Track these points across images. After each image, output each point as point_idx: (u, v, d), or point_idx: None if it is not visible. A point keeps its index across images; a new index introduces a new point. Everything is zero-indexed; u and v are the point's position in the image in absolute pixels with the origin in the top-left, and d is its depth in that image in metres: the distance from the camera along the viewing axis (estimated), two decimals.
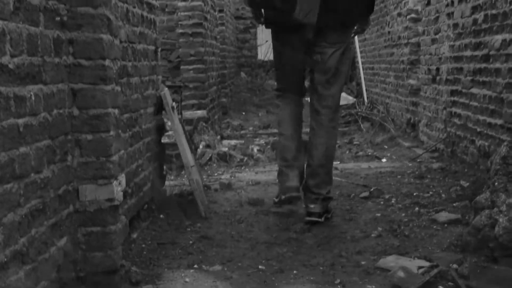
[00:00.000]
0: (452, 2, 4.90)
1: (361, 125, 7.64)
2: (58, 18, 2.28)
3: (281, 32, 3.56)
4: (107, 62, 2.48)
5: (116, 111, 2.64)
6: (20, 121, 1.94)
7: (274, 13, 3.45)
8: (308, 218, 3.44)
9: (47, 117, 2.16)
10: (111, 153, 2.51)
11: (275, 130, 8.03)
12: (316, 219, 3.42)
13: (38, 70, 2.08)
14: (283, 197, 3.53)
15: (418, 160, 5.25)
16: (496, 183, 2.49)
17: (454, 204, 3.59)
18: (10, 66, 1.86)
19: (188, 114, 6.51)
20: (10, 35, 1.86)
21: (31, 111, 2.02)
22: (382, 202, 3.85)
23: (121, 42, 2.92)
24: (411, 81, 6.57)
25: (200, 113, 6.58)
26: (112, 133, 2.53)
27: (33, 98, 2.03)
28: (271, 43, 3.75)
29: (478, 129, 4.32)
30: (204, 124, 6.45)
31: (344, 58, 3.52)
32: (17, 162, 1.90)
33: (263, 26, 3.75)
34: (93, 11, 2.41)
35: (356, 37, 9.47)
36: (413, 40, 6.51)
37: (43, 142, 2.12)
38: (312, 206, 3.45)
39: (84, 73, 2.43)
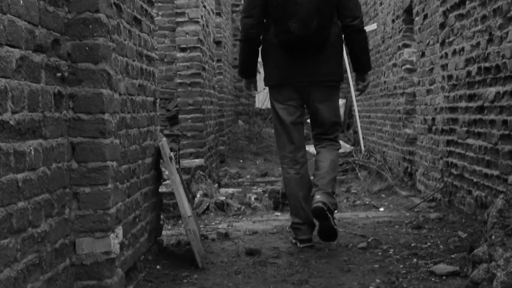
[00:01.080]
0: (446, 54, 4.99)
1: (359, 174, 7.66)
2: (59, 74, 2.32)
3: (279, 90, 3.93)
4: (106, 116, 2.52)
5: (115, 163, 2.66)
6: (19, 176, 1.96)
7: (289, 37, 3.72)
8: (316, 205, 3.72)
9: (46, 171, 2.18)
10: (109, 205, 2.52)
11: (273, 178, 8.06)
12: (324, 209, 3.68)
13: (38, 125, 2.11)
14: (300, 245, 3.98)
15: (416, 210, 5.25)
16: (493, 237, 2.49)
17: (452, 256, 3.58)
18: (11, 122, 1.89)
19: (186, 162, 6.54)
20: (12, 92, 1.89)
21: (30, 166, 2.04)
22: (380, 253, 3.84)
23: (120, 95, 2.97)
24: (408, 131, 6.63)
25: (198, 161, 6.61)
26: (110, 185, 2.55)
27: (32, 153, 2.05)
28: (270, 106, 4.09)
29: (475, 180, 4.34)
30: (201, 172, 6.47)
31: (334, 108, 4.00)
32: (15, 217, 1.91)
33: (253, 89, 4.17)
34: (93, 66, 2.47)
35: (352, 86, 9.60)
36: (408, 90, 6.60)
37: (41, 196, 2.13)
38: (318, 196, 3.75)
39: (84, 127, 2.47)
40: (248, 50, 3.96)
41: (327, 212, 3.70)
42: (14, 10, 1.91)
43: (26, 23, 2.01)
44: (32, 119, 2.06)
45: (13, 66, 1.90)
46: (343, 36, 3.91)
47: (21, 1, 1.96)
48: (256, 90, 4.17)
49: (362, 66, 3.97)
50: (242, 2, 4.71)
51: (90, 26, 2.44)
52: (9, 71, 1.87)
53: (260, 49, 4.01)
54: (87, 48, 2.44)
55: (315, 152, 4.14)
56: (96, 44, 2.46)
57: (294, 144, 3.97)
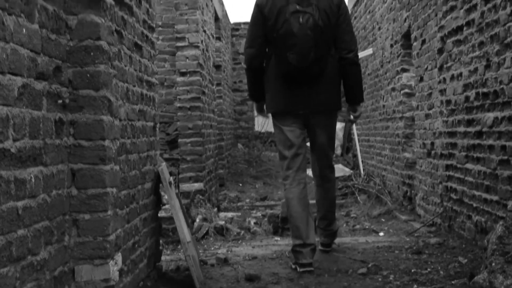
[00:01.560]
0: (444, 79, 5.03)
1: (358, 198, 7.65)
2: (60, 101, 2.34)
3: (282, 116, 4.13)
4: (106, 143, 2.53)
5: (114, 190, 2.66)
6: (20, 203, 1.96)
7: (288, 68, 3.92)
8: (321, 248, 4.53)
9: (46, 198, 2.18)
10: (108, 232, 2.51)
11: (272, 202, 8.05)
12: (328, 248, 4.55)
13: (39, 152, 2.12)
14: (300, 270, 4.00)
15: (416, 235, 5.23)
16: (493, 264, 2.49)
17: (453, 282, 3.56)
18: (12, 150, 1.90)
19: (185, 186, 6.53)
20: (14, 120, 1.90)
21: (30, 193, 2.04)
22: (380, 279, 3.81)
23: (120, 120, 2.98)
24: (407, 155, 6.64)
25: (197, 185, 6.61)
26: (110, 212, 2.54)
27: (33, 180, 2.06)
28: (274, 128, 4.28)
29: (474, 205, 4.34)
30: (201, 196, 6.46)
31: (332, 133, 4.31)
32: (14, 245, 1.91)
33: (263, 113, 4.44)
34: (94, 93, 2.48)
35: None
36: (407, 115, 6.63)
37: (41, 224, 2.13)
38: (325, 239, 4.54)
39: (84, 153, 2.47)
40: (253, 78, 4.20)
41: (331, 246, 4.57)
42: (17, 39, 1.93)
43: (29, 51, 2.03)
44: (33, 147, 2.07)
45: (15, 94, 1.91)
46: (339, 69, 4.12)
47: (24, 30, 1.98)
48: (266, 114, 4.39)
49: (354, 98, 4.23)
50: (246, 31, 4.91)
51: (92, 54, 2.47)
52: (11, 99, 1.89)
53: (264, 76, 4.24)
54: (88, 75, 2.46)
55: (312, 175, 4.52)
56: (97, 71, 2.48)
57: (298, 165, 4.14)
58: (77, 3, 2.44)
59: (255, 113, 4.17)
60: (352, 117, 4.38)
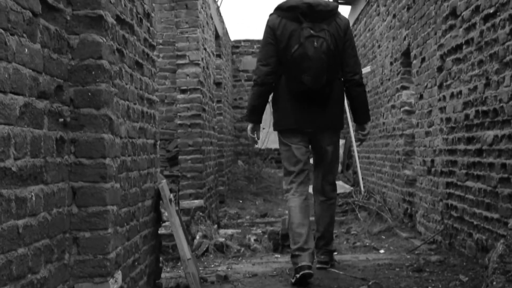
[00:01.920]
0: (444, 97, 5.05)
1: (358, 215, 7.64)
2: (61, 120, 2.35)
3: (291, 134, 4.33)
4: (107, 161, 2.53)
5: (115, 208, 2.66)
6: (20, 222, 1.96)
7: (302, 88, 4.15)
8: (319, 265, 4.53)
9: (46, 216, 2.18)
10: (108, 250, 2.51)
11: (272, 219, 8.03)
12: (326, 266, 4.55)
13: (40, 171, 2.12)
14: (297, 276, 4.05)
15: (416, 252, 5.22)
16: (494, 283, 2.48)
17: None
18: (13, 169, 1.90)
19: (185, 203, 6.53)
20: (15, 139, 1.91)
21: (31, 211, 2.04)
22: None
23: (121, 138, 2.99)
24: (407, 172, 6.64)
25: (198, 202, 6.60)
26: (110, 230, 2.54)
27: (33, 198, 2.06)
28: (280, 145, 4.46)
29: (475, 222, 4.33)
30: (201, 213, 6.45)
31: (337, 151, 4.50)
32: (15, 264, 1.90)
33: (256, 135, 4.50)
34: (95, 112, 2.49)
35: (351, 126, 9.66)
36: (407, 132, 6.64)
37: (41, 242, 2.13)
38: (322, 257, 4.57)
39: (85, 171, 2.48)
40: (261, 95, 4.31)
41: (329, 264, 4.59)
42: (19, 58, 1.94)
43: (31, 70, 2.04)
44: (34, 165, 2.07)
45: (16, 113, 1.92)
46: (344, 89, 4.40)
47: (26, 50, 1.99)
48: (259, 137, 4.48)
49: (362, 118, 4.47)
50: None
51: (93, 72, 2.48)
52: (12, 118, 1.90)
53: (271, 96, 4.41)
54: (89, 93, 2.48)
55: (312, 193, 4.62)
56: (99, 90, 2.49)
57: (301, 180, 4.37)
58: (79, 23, 2.46)
59: (248, 132, 4.25)
60: (360, 136, 4.57)
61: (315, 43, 4.03)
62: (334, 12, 4.18)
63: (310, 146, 4.44)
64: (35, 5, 2.07)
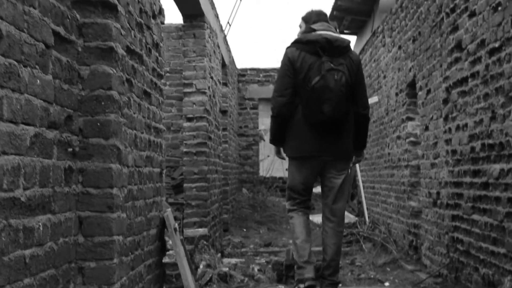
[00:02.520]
0: (450, 129, 5.05)
1: (363, 245, 7.58)
2: (70, 149, 2.36)
3: (302, 161, 4.50)
4: (114, 191, 2.54)
5: (121, 237, 2.66)
6: (27, 252, 1.96)
7: (321, 118, 4.33)
8: None
9: (53, 246, 2.18)
10: (113, 281, 2.50)
11: (276, 249, 7.98)
12: None
13: (48, 200, 2.13)
14: (302, 286, 4.31)
15: (422, 286, 5.17)
16: None
17: None
18: (22, 199, 1.91)
19: (189, 232, 6.50)
20: (25, 169, 1.93)
21: (38, 241, 2.05)
22: None
23: (128, 167, 3.00)
24: (412, 203, 6.61)
25: (202, 231, 6.57)
26: (115, 260, 2.54)
27: (41, 228, 2.06)
28: (288, 168, 4.61)
29: (481, 257, 4.30)
30: (205, 242, 6.42)
31: (346, 180, 4.59)
32: None
33: (282, 155, 4.70)
34: (104, 142, 2.51)
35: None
36: (413, 163, 6.63)
37: (47, 272, 2.13)
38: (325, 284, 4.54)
39: (92, 201, 2.49)
40: (279, 124, 4.52)
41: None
42: (31, 90, 1.97)
43: (42, 101, 2.06)
44: (42, 195, 2.08)
45: (27, 143, 1.94)
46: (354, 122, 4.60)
47: (38, 81, 2.02)
48: (284, 156, 4.71)
49: (361, 145, 4.70)
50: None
51: (103, 103, 2.50)
52: (23, 148, 1.91)
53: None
54: (98, 124, 2.50)
55: (320, 221, 4.68)
56: (108, 120, 2.51)
57: (305, 204, 4.61)
58: (90, 54, 2.49)
59: (264, 152, 4.63)
60: (354, 160, 4.78)
61: (336, 76, 4.27)
62: (348, 48, 4.45)
63: (319, 175, 4.60)
64: (48, 37, 2.10)
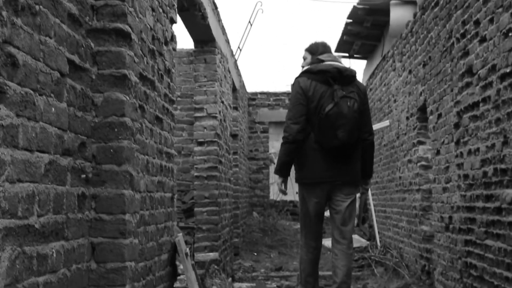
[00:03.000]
0: (461, 154, 5.04)
1: (375, 270, 7.52)
2: (83, 176, 2.38)
3: (313, 188, 4.67)
4: (127, 217, 2.55)
5: (133, 263, 2.66)
6: (41, 279, 1.97)
7: (336, 143, 4.54)
8: None
9: (66, 273, 2.19)
10: None
11: (287, 273, 7.93)
12: None
13: (61, 227, 2.14)
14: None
15: None
16: None
17: None
18: (36, 226, 1.93)
19: (200, 256, 6.48)
20: (39, 196, 1.94)
21: (51, 268, 2.05)
22: None
23: (140, 193, 3.01)
24: (424, 228, 6.56)
25: (213, 255, 6.55)
26: (127, 286, 2.54)
27: (54, 255, 2.07)
28: (299, 195, 4.82)
29: (496, 283, 4.25)
30: (216, 266, 6.39)
31: (354, 204, 4.76)
32: None
33: (292, 182, 4.98)
34: (117, 168, 2.53)
35: None
36: (424, 187, 6.60)
37: None
38: None
39: (105, 227, 2.50)
40: (292, 151, 4.65)
41: None
42: (46, 118, 2.00)
43: (56, 128, 2.09)
44: (56, 221, 2.10)
45: (41, 171, 1.96)
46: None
47: (53, 109, 2.05)
48: (287, 188, 4.83)
49: (368, 174, 4.92)
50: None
51: (116, 130, 2.53)
52: (37, 175, 1.93)
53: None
54: (111, 150, 2.52)
55: (330, 245, 4.88)
56: (121, 146, 2.54)
57: (316, 233, 4.80)
58: (103, 82, 2.52)
59: (274, 175, 4.87)
60: (362, 189, 5.23)
61: (348, 103, 4.52)
62: (356, 77, 4.74)
63: (328, 201, 4.76)
64: (63, 65, 2.14)
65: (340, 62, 4.74)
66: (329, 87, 4.55)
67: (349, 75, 4.64)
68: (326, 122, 4.50)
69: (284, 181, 4.79)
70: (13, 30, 1.75)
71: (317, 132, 4.56)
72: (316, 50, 4.82)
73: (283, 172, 4.73)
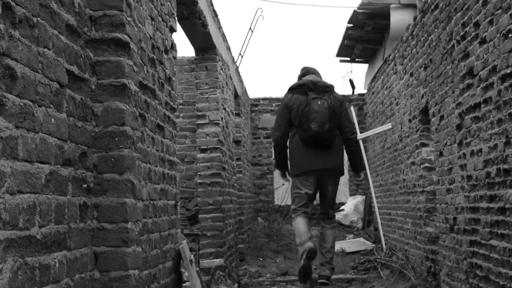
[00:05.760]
0: (464, 155, 5.03)
1: (381, 273, 7.50)
2: (85, 185, 2.39)
3: (305, 177, 5.94)
4: (129, 225, 2.56)
5: (136, 272, 2.67)
6: None
7: (311, 133, 5.84)
8: (321, 281, 5.93)
9: (69, 283, 2.19)
10: None
11: (293, 278, 7.91)
12: (327, 281, 5.94)
13: (63, 237, 2.15)
14: (304, 255, 5.73)
15: None
16: None
17: None
18: (38, 236, 1.93)
19: (205, 263, 6.48)
20: (40, 207, 1.95)
21: (54, 278, 2.06)
22: None
23: (142, 201, 3.02)
24: (429, 229, 6.55)
25: (218, 261, 6.55)
26: None
27: (57, 265, 2.08)
28: (292, 182, 6.10)
29: (501, 282, 4.24)
30: (221, 272, 6.39)
31: (337, 188, 6.18)
32: None
33: (287, 176, 6.30)
34: (118, 177, 2.54)
35: (371, 183, 9.66)
36: (428, 189, 6.59)
37: None
38: (325, 272, 5.99)
39: (107, 236, 2.50)
40: (280, 152, 6.13)
41: (328, 282, 5.94)
42: (46, 128, 2.01)
43: (56, 139, 2.10)
44: (58, 232, 2.10)
45: (42, 181, 1.97)
46: (344, 146, 6.11)
47: (53, 120, 2.06)
48: (288, 179, 6.24)
49: (358, 168, 6.43)
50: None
51: (116, 139, 2.54)
52: (38, 186, 1.94)
53: (288, 150, 6.11)
54: (112, 159, 2.53)
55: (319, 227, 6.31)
56: (122, 155, 2.55)
57: (307, 209, 6.04)
58: (103, 91, 2.54)
59: (279, 181, 6.53)
60: (356, 181, 6.58)
61: (319, 102, 5.82)
62: (331, 89, 6.04)
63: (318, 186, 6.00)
64: (62, 76, 2.15)
65: (319, 78, 6.03)
66: (307, 96, 5.86)
67: (323, 85, 5.94)
68: (303, 119, 5.82)
69: (284, 173, 6.26)
70: (11, 42, 1.77)
71: (299, 129, 5.86)
72: (302, 74, 6.20)
73: (280, 166, 6.23)
